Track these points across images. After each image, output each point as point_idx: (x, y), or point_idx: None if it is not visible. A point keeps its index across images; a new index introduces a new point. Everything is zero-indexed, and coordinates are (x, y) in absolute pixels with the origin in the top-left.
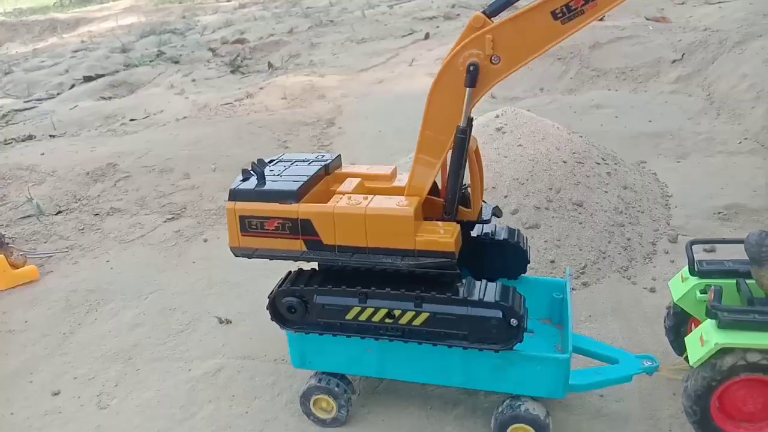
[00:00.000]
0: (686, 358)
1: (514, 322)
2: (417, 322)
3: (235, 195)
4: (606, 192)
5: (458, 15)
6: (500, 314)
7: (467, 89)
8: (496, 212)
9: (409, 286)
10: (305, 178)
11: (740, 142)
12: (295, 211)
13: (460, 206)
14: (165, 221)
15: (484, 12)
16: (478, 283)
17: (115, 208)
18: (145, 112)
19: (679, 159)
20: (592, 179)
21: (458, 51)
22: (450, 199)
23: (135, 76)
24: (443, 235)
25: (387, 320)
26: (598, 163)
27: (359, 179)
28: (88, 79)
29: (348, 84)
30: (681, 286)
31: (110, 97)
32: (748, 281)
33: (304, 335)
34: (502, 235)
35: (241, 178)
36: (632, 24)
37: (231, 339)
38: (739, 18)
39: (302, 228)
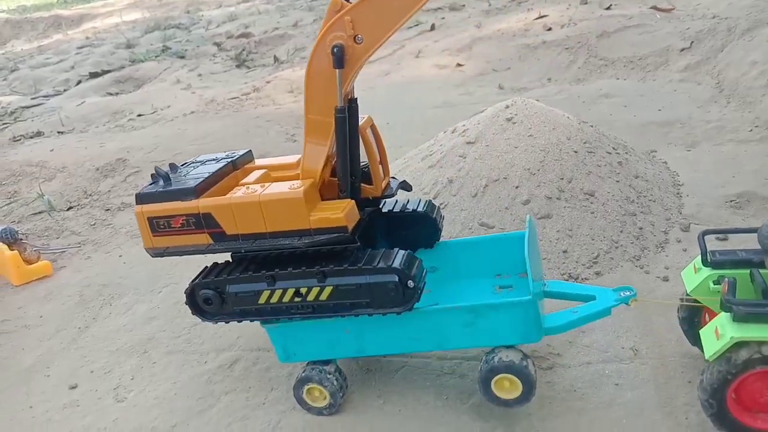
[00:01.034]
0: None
1: (410, 283)
2: (323, 296)
3: (141, 198)
4: (617, 181)
5: (463, 6)
6: (396, 278)
7: (336, 70)
8: (405, 186)
9: (313, 263)
10: (206, 175)
11: (751, 130)
12: (196, 206)
13: (363, 184)
14: None
15: None
16: (376, 252)
17: (126, 203)
18: (152, 107)
19: (689, 147)
20: (604, 169)
21: (323, 35)
22: (341, 177)
23: (141, 71)
24: (335, 212)
25: (296, 299)
26: (609, 153)
27: (264, 170)
28: (94, 75)
29: None
30: (694, 277)
31: (117, 93)
32: (761, 271)
33: (283, 329)
34: (412, 207)
35: (149, 182)
36: (639, 13)
37: (245, 331)
38: (748, 5)
39: (205, 221)
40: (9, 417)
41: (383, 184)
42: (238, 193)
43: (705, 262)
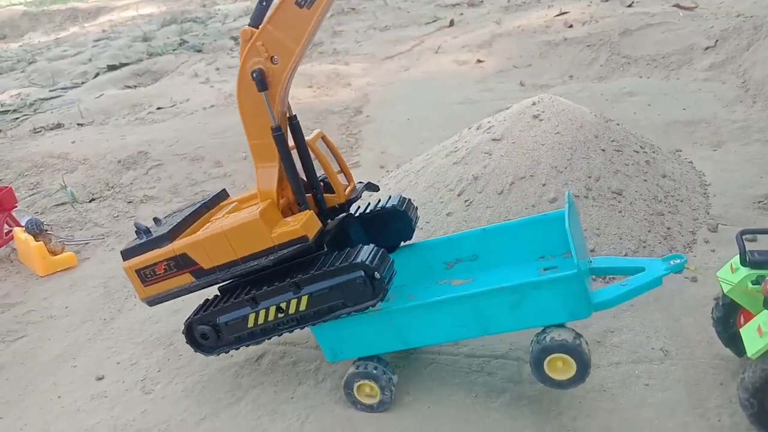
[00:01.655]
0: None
1: (377, 275)
2: (302, 306)
3: (126, 254)
4: (645, 180)
5: (482, 2)
6: (362, 273)
7: (262, 93)
8: (371, 187)
9: (287, 276)
10: (179, 219)
11: None
12: (172, 250)
13: (327, 194)
14: None
15: (249, 24)
16: (341, 253)
17: (149, 196)
18: (171, 100)
19: (714, 147)
20: (631, 167)
21: (242, 64)
22: (296, 191)
23: (158, 64)
24: (292, 224)
25: (280, 315)
26: (637, 152)
27: (234, 203)
28: (112, 68)
29: (373, 72)
30: (731, 276)
31: (135, 86)
32: None
33: (328, 329)
34: (381, 205)
35: (133, 239)
36: (662, 11)
37: None
38: None
39: (183, 262)
40: (39, 406)
41: (347, 191)
42: (206, 230)
43: (744, 262)
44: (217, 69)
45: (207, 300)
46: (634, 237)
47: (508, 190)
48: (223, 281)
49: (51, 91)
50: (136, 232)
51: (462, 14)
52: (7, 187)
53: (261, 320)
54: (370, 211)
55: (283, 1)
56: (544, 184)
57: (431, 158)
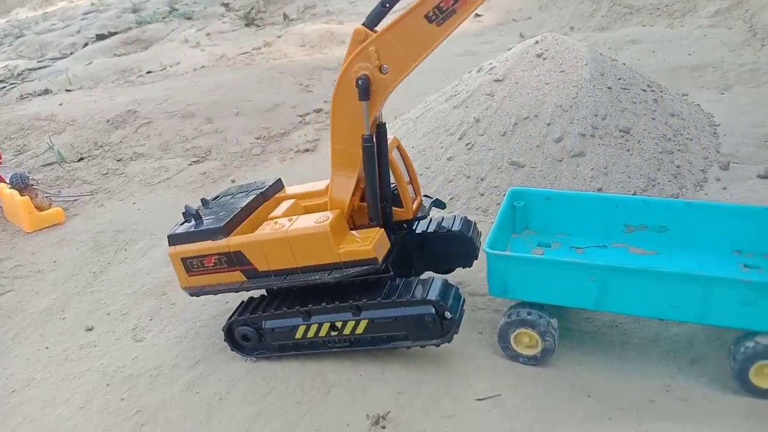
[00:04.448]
0: None
1: (447, 314)
2: (359, 330)
3: (174, 240)
4: (653, 119)
5: None
6: (432, 310)
7: (363, 102)
8: (438, 204)
9: (347, 295)
10: (236, 211)
11: None
12: (226, 245)
13: (394, 207)
14: (190, 164)
15: (364, 24)
16: (411, 281)
17: (139, 153)
18: (161, 64)
19: (722, 91)
20: (639, 106)
21: (347, 66)
22: (371, 205)
23: (148, 32)
24: (362, 244)
25: (332, 333)
26: (644, 90)
27: (293, 200)
28: (100, 37)
29: None
30: None
31: (124, 55)
32: None
33: (511, 261)
34: (447, 227)
35: (180, 221)
36: None
37: None
38: None
39: (237, 260)
40: (26, 356)
41: (415, 205)
42: (266, 230)
43: None
44: (208, 34)
45: (252, 298)
46: (642, 175)
47: (511, 132)
48: (278, 288)
49: (39, 62)
50: (184, 215)
51: None
52: None
53: (311, 334)
54: (434, 230)
55: (411, 12)
56: (548, 124)
57: (430, 105)
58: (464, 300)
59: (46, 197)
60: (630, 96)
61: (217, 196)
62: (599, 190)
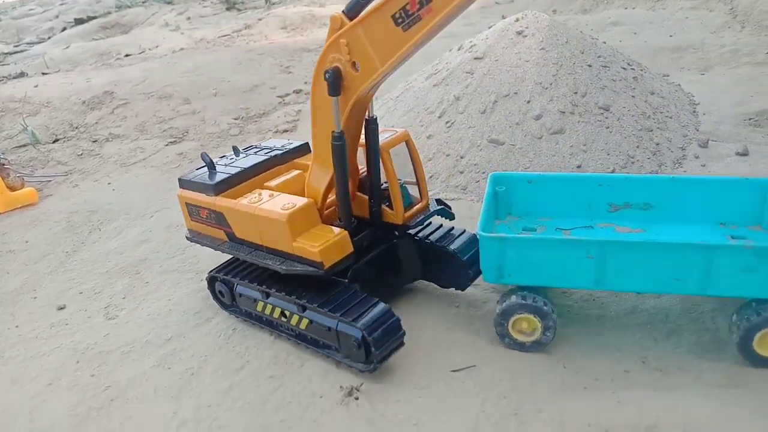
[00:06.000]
0: None
1: (373, 349)
2: (302, 326)
3: (181, 183)
4: (633, 96)
5: None
6: (359, 334)
7: (332, 97)
8: (444, 213)
9: (300, 290)
10: (237, 170)
11: None
12: (213, 203)
13: (384, 207)
14: (167, 145)
15: (343, 11)
16: (358, 298)
17: (114, 134)
18: (140, 47)
19: (702, 71)
20: (618, 83)
21: (323, 55)
22: (339, 206)
23: (128, 17)
24: (314, 244)
25: (282, 319)
26: (624, 68)
27: (298, 171)
28: (79, 21)
29: None
30: None
31: (102, 39)
32: None
33: (507, 243)
34: (445, 240)
35: (198, 165)
36: None
37: None
38: None
39: (220, 220)
40: None
41: (413, 210)
42: (245, 200)
43: None
44: (189, 18)
45: (237, 259)
46: (622, 152)
47: (491, 109)
48: (243, 259)
49: (15, 46)
50: (203, 157)
51: None
52: None
53: (267, 312)
54: (430, 242)
55: (379, 9)
56: (528, 101)
57: (410, 84)
58: (404, 332)
59: (19, 177)
60: (610, 74)
61: (249, 147)
62: (578, 167)
